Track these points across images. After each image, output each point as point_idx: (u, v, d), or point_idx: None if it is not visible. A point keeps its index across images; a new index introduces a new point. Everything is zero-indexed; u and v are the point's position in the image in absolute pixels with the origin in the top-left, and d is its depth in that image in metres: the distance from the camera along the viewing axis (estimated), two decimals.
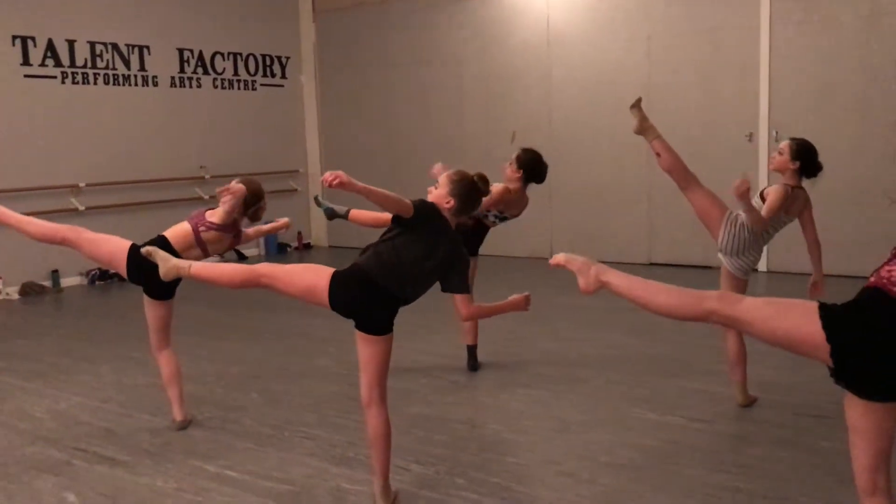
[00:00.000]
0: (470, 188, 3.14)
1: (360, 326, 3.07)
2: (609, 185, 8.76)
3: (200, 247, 3.99)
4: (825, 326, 2.11)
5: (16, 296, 8.01)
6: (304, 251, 10.84)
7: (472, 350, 4.97)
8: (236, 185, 3.98)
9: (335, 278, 3.00)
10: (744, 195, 3.70)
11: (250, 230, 4.33)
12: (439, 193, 3.14)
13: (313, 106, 11.00)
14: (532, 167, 4.76)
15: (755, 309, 2.27)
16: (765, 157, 7.69)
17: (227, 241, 4.09)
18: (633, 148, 8.53)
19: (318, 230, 11.12)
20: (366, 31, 10.34)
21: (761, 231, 3.95)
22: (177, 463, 3.69)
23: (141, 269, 3.91)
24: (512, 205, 4.79)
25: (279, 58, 10.66)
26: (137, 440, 3.99)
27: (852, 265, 7.14)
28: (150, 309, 4.10)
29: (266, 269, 3.08)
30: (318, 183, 11.14)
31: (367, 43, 10.35)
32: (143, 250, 3.37)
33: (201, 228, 3.96)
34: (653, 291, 2.51)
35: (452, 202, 3.10)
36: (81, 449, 3.89)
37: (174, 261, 3.24)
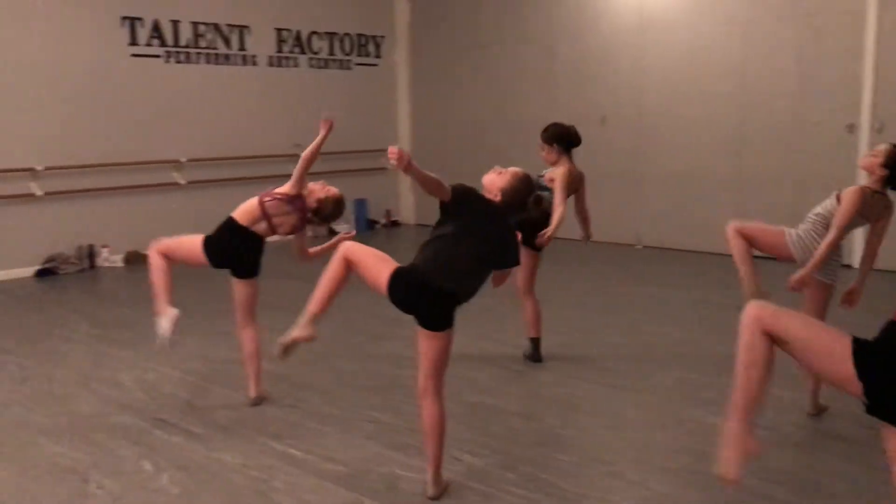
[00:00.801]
0: (521, 200, 3.20)
1: (420, 323, 3.19)
2: (699, 172, 8.56)
3: (266, 219, 4.19)
4: (857, 364, 2.08)
5: (121, 263, 8.53)
6: (392, 228, 11.06)
7: (535, 342, 5.01)
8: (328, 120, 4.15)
9: (394, 277, 3.11)
10: (803, 284, 3.79)
11: (314, 250, 4.42)
12: (493, 181, 3.21)
13: (406, 85, 11.14)
14: (560, 136, 4.80)
15: (793, 333, 2.27)
16: (865, 150, 7.34)
17: (293, 216, 4.23)
18: (725, 136, 8.32)
19: (406, 208, 11.32)
20: (459, 11, 10.38)
21: (839, 242, 3.83)
22: (247, 439, 3.91)
23: (224, 254, 4.16)
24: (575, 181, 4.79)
25: (374, 37, 10.84)
26: (213, 414, 4.25)
27: None
28: (239, 288, 4.32)
29: (350, 254, 3.18)
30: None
31: (460, 23, 10.38)
32: (280, 355, 3.34)
33: (266, 199, 4.17)
34: None
35: (499, 198, 3.16)
36: (162, 419, 4.17)
37: (299, 327, 3.28)
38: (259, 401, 4.37)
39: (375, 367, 4.99)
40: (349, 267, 3.21)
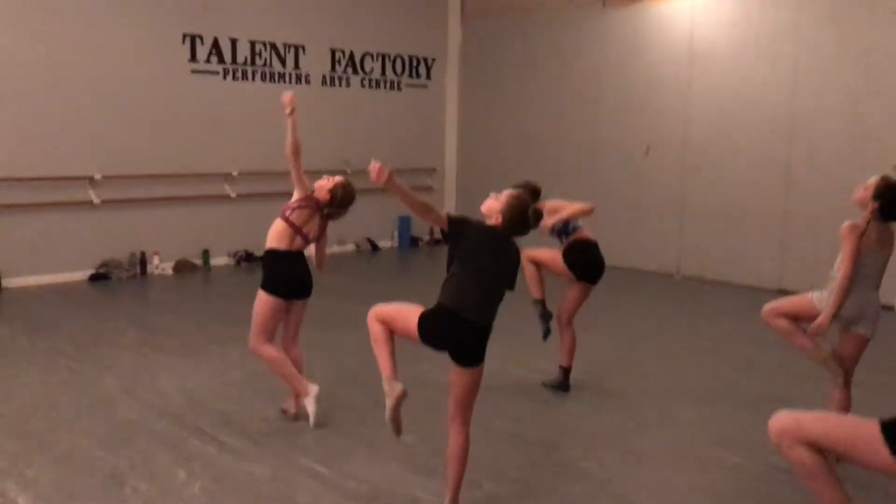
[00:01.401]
0: (520, 218, 3.30)
1: (453, 358, 3.31)
2: (743, 205, 8.53)
3: (296, 231, 4.39)
4: (893, 450, 2.15)
5: (170, 271, 8.83)
6: (435, 245, 11.21)
7: (566, 371, 5.09)
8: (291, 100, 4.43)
9: (422, 319, 3.27)
10: (822, 329, 3.86)
11: (322, 254, 4.60)
12: (492, 206, 3.33)
13: (454, 107, 11.32)
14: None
15: (817, 434, 2.38)
16: None
17: (315, 217, 4.43)
18: (770, 170, 8.29)
19: None
20: (510, 37, 10.52)
21: (850, 281, 3.84)
22: (277, 453, 4.07)
23: (289, 285, 4.40)
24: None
25: (425, 59, 11.04)
26: (247, 426, 4.42)
27: None
28: (297, 308, 4.51)
29: (379, 314, 3.39)
30: (453, 182, 11.46)
31: (511, 49, 10.53)
32: (395, 430, 3.47)
33: (287, 213, 4.40)
34: None
35: (500, 220, 3.29)
36: (199, 429, 4.36)
37: (388, 395, 3.43)
38: (298, 416, 4.53)
39: (407, 389, 5.10)
40: (385, 325, 3.38)
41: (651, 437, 4.40)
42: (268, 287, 4.39)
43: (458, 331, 3.23)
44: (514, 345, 5.80)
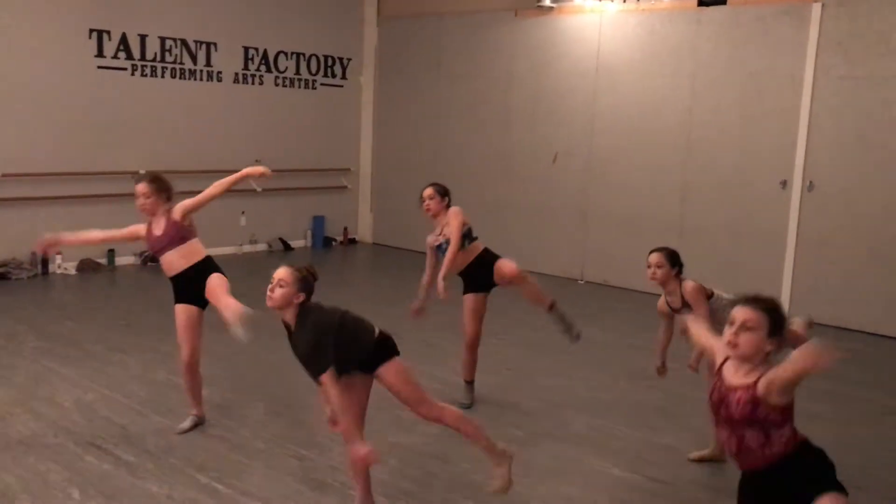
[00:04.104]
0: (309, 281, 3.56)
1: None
2: (643, 214, 8.89)
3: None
4: None
5: (73, 271, 8.65)
6: (349, 246, 11.27)
7: (468, 385, 5.27)
8: None
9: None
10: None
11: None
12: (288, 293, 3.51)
13: (370, 107, 11.38)
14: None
15: None
16: (796, 205, 7.74)
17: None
18: (669, 180, 8.66)
19: (364, 227, 11.54)
20: (425, 39, 10.64)
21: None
22: (174, 470, 4.12)
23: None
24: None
25: (341, 59, 11.06)
26: (144, 441, 4.44)
27: (876, 322, 7.27)
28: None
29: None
30: (368, 182, 11.52)
31: (426, 50, 10.65)
32: None
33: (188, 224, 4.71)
34: None
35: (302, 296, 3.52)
36: (96, 445, 4.36)
37: None
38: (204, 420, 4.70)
39: (307, 400, 5.17)
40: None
41: (541, 450, 4.62)
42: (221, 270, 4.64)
43: None
44: (423, 353, 5.94)
